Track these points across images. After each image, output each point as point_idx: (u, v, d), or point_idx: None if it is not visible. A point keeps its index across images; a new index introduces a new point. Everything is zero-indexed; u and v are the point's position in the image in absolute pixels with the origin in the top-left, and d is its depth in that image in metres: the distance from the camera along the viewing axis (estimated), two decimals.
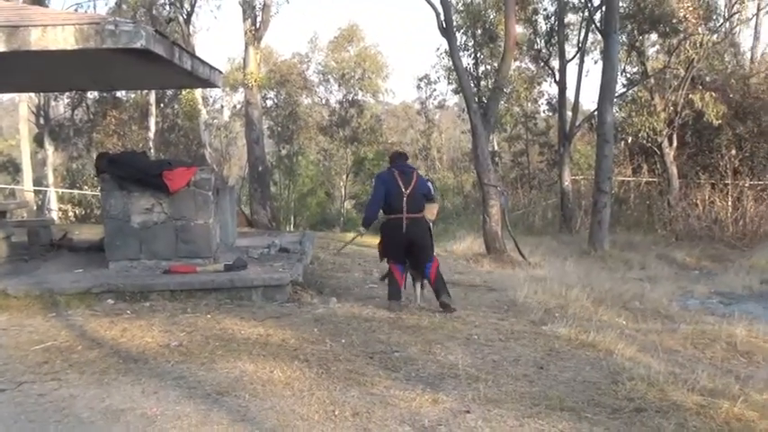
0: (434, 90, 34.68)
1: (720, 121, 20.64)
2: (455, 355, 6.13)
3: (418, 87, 34.73)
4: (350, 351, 6.26)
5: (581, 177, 25.62)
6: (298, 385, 5.26)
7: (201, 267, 9.02)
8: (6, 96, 32.31)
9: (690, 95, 20.95)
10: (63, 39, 7.85)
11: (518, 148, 31.82)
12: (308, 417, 4.65)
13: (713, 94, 20.65)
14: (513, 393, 5.18)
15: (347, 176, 34.25)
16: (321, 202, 34.59)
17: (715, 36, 21.92)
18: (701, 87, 21.46)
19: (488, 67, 26.99)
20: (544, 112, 30.43)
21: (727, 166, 20.62)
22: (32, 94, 27.86)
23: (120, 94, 29.23)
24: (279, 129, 33.36)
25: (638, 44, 22.03)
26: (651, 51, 23.99)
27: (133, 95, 29.82)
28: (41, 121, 29.28)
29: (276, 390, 5.16)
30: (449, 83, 29.74)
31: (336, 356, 6.05)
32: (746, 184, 20.48)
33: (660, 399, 5.02)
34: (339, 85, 34.31)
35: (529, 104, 29.03)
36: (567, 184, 22.34)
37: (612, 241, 15.56)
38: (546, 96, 28.94)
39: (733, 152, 21.46)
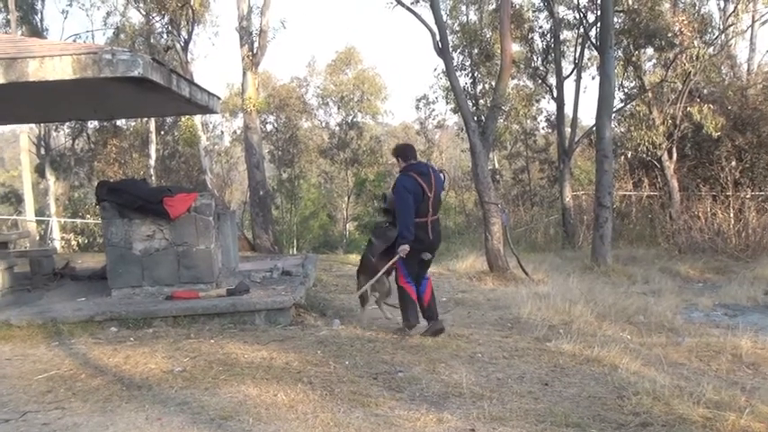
0: (433, 110, 34.83)
1: (719, 133, 20.61)
2: (459, 374, 6.12)
3: (417, 108, 34.76)
4: (354, 372, 6.24)
5: (582, 193, 25.59)
6: (302, 408, 5.24)
7: (204, 293, 9.01)
8: (7, 128, 32.45)
9: (688, 108, 20.94)
10: (61, 69, 7.90)
11: (518, 166, 31.88)
12: None
13: (711, 106, 20.64)
14: (518, 411, 5.16)
15: (349, 198, 34.30)
16: (323, 225, 34.62)
17: (711, 49, 21.94)
18: (698, 100, 21.45)
19: (486, 85, 27.10)
20: (543, 128, 30.48)
21: (728, 177, 20.57)
22: (33, 125, 27.95)
23: (121, 122, 29.36)
24: (279, 153, 33.48)
25: (634, 59, 22.04)
26: (648, 66, 24.00)
27: (133, 124, 29.95)
28: (42, 151, 29.36)
29: (280, 413, 5.14)
30: (447, 102, 29.87)
31: (340, 378, 6.04)
32: (748, 196, 20.42)
33: (666, 412, 5.00)
34: (338, 108, 34.50)
35: (528, 122, 29.08)
36: (568, 199, 22.33)
37: (615, 256, 15.49)
38: (545, 113, 29.00)
39: (733, 164, 21.42)
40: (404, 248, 7.49)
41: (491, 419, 4.95)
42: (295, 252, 27.64)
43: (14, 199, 32.56)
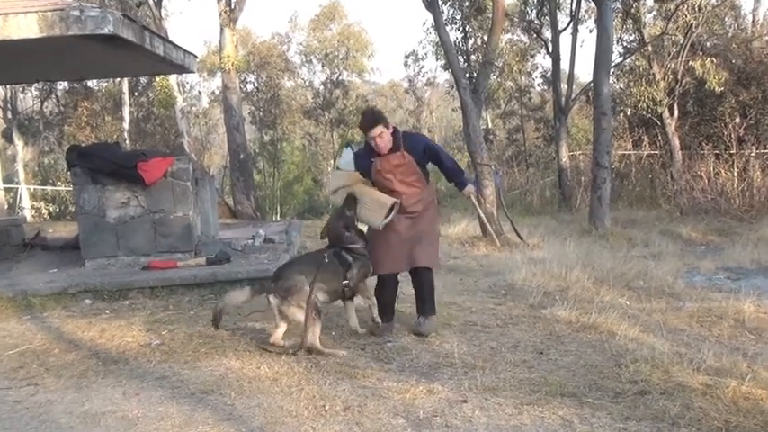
0: (423, 67, 34.97)
1: (723, 89, 20.65)
2: (450, 344, 6.16)
3: (405, 65, 34.75)
4: (340, 343, 6.28)
5: (579, 153, 25.65)
6: (286, 381, 5.27)
7: (182, 262, 9.03)
8: None
9: (690, 62, 20.96)
10: (26, 27, 7.84)
11: (513, 125, 31.89)
12: (298, 413, 4.67)
13: (714, 60, 20.66)
14: (512, 380, 5.20)
15: (335, 161, 34.20)
16: (308, 190, 34.60)
17: None
18: (701, 54, 21.46)
19: (478, 40, 27.01)
20: (539, 85, 30.52)
21: (732, 135, 20.64)
22: None
23: (92, 83, 29.17)
24: (260, 114, 33.37)
25: (633, 10, 21.99)
26: (648, 18, 23.94)
27: (105, 85, 29.76)
28: (9, 115, 29.17)
29: (263, 386, 5.17)
30: (437, 59, 29.87)
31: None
32: (752, 154, 20.51)
33: (665, 380, 5.04)
34: (322, 66, 34.35)
35: (522, 78, 29.06)
36: (564, 160, 22.37)
37: (614, 218, 15.55)
38: (540, 69, 29.09)
39: (737, 120, 21.46)
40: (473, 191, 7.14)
41: (483, 390, 4.99)
42: (278, 219, 27.63)
43: None
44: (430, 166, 6.64)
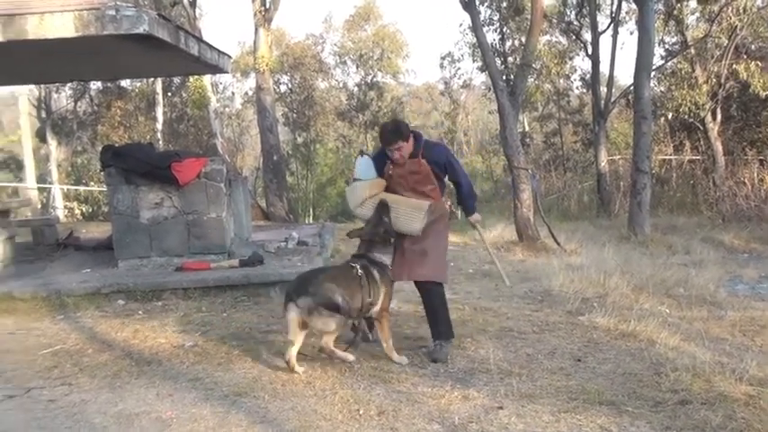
0: (459, 69, 34.63)
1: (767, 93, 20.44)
2: (486, 349, 6.16)
3: (441, 66, 34.47)
4: (374, 347, 6.29)
5: (619, 157, 25.46)
6: (320, 384, 5.31)
7: (215, 263, 9.10)
8: (6, 89, 32.54)
9: (734, 65, 20.75)
10: (62, 26, 7.93)
11: (550, 128, 31.72)
12: (331, 417, 4.69)
13: (759, 63, 20.44)
14: (549, 388, 5.20)
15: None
16: (341, 192, 34.51)
17: (759, 1, 21.65)
18: (745, 56, 21.24)
19: (515, 42, 26.96)
20: (577, 88, 30.30)
21: None
22: (33, 87, 28.08)
23: (125, 83, 29.45)
24: (294, 115, 33.45)
25: (675, 12, 21.83)
26: (690, 19, 23.76)
27: (139, 84, 30.01)
28: (43, 114, 29.54)
29: (297, 389, 5.21)
30: (473, 60, 29.69)
31: (360, 353, 6.08)
32: None
33: (706, 390, 5.01)
34: (357, 67, 34.34)
35: (561, 81, 28.89)
36: (603, 164, 22.24)
37: (654, 225, 15.44)
38: (579, 71, 28.85)
39: None
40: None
41: (520, 397, 4.99)
42: (311, 221, 27.71)
43: (14, 165, 32.80)
44: None
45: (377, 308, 5.86)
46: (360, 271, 5.77)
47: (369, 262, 5.92)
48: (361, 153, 6.46)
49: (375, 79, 33.94)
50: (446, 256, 6.44)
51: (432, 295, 6.17)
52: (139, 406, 4.95)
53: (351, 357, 5.73)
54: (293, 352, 5.54)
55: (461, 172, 6.48)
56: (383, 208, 6.01)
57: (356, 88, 34.15)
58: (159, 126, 28.61)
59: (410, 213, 6.02)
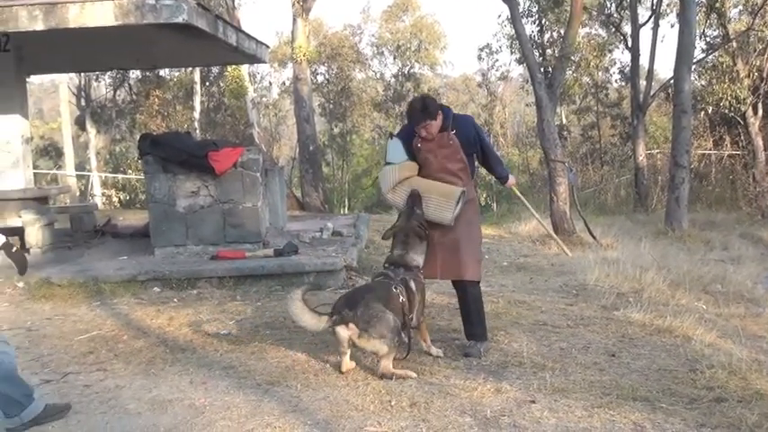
0: (496, 60, 34.41)
1: None
2: (519, 343, 6.13)
3: (479, 58, 34.36)
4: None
5: (657, 151, 25.26)
6: (352, 375, 5.32)
7: (250, 252, 9.15)
8: (47, 78, 33.01)
9: None
10: (102, 14, 8.03)
11: (588, 121, 31.46)
12: (363, 407, 4.70)
13: None
14: (582, 382, 5.16)
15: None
16: (377, 183, 34.63)
17: None
18: None
19: (554, 34, 26.77)
20: (616, 81, 30.06)
21: None
22: (73, 75, 28.40)
23: (164, 72, 29.70)
24: (331, 106, 33.52)
25: (718, 5, 21.56)
26: (733, 12, 23.47)
27: (177, 74, 30.25)
28: (83, 102, 29.86)
29: (329, 380, 5.23)
30: (512, 52, 29.53)
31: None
32: None
33: (742, 388, 4.95)
34: (394, 58, 34.32)
35: (599, 74, 28.64)
36: (641, 158, 22.04)
37: (692, 220, 15.29)
38: (618, 64, 28.62)
39: None
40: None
41: (553, 391, 4.96)
42: (346, 212, 27.79)
43: (54, 152, 33.21)
44: None
45: (414, 318, 5.69)
46: (398, 288, 5.54)
47: (405, 270, 5.70)
48: (391, 135, 6.20)
49: (412, 70, 33.90)
50: (480, 247, 6.29)
51: (467, 295, 6.00)
52: (173, 393, 5.00)
53: (412, 374, 5.35)
54: (347, 360, 5.41)
55: (487, 140, 6.35)
56: (415, 198, 5.85)
57: (393, 79, 34.15)
58: (197, 115, 28.81)
59: (442, 202, 5.82)
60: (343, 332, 5.23)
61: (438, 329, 6.60)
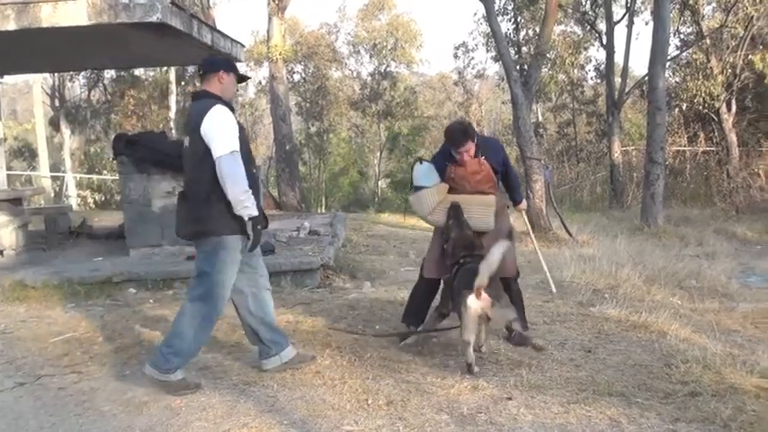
0: (472, 58, 34.59)
1: None
2: (496, 340, 6.15)
3: (455, 56, 34.41)
4: (384, 337, 6.31)
5: (632, 148, 25.38)
6: (329, 374, 5.32)
7: None
8: (20, 78, 32.71)
9: (749, 56, 20.64)
10: (75, 14, 7.99)
11: (564, 119, 31.59)
12: (340, 406, 4.70)
13: None
14: (559, 379, 5.19)
15: (381, 154, 34.20)
16: (354, 182, 34.57)
17: None
18: (761, 47, 21.12)
19: (530, 31, 26.84)
20: (592, 78, 30.19)
21: None
22: (47, 75, 28.19)
23: (139, 72, 29.47)
24: (307, 105, 33.41)
25: (691, 2, 21.70)
26: (706, 9, 23.60)
27: (152, 73, 30.04)
28: (56, 103, 29.63)
29: (306, 379, 5.22)
30: (488, 50, 29.62)
31: (370, 343, 6.10)
32: None
33: (717, 382, 4.99)
34: (370, 57, 34.24)
35: (575, 71, 28.75)
36: (616, 155, 22.17)
37: (667, 216, 15.39)
38: (593, 62, 28.73)
39: None
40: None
41: (529, 388, 4.98)
42: (323, 211, 27.72)
43: (28, 153, 32.93)
44: None
45: None
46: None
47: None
48: (420, 160, 6.34)
49: (388, 69, 33.84)
50: (514, 248, 6.45)
51: (512, 291, 6.16)
52: (148, 394, 4.96)
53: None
54: (472, 353, 5.36)
55: (510, 164, 6.56)
56: (456, 210, 5.98)
57: (369, 78, 34.08)
58: (172, 115, 28.63)
59: (482, 210, 6.06)
60: (476, 306, 5.25)
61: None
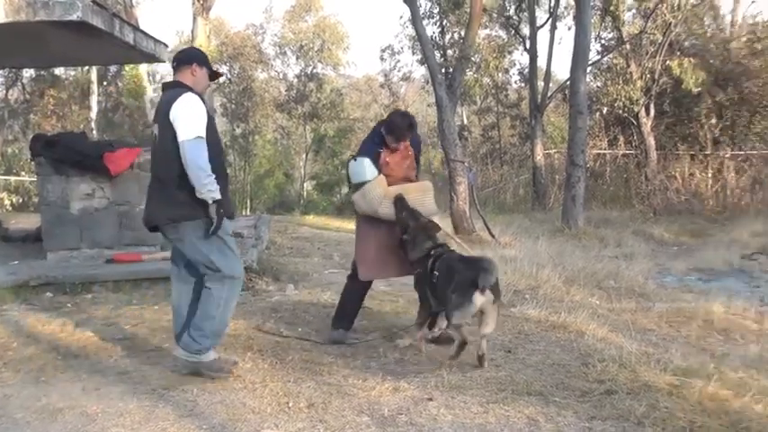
0: (398, 61, 34.58)
1: (700, 89, 20.80)
2: (418, 341, 6.17)
3: (381, 59, 34.45)
4: (306, 340, 6.30)
5: (554, 151, 25.74)
6: (250, 377, 5.29)
7: (148, 255, 9.00)
8: None
9: (667, 62, 21.10)
10: None
11: (488, 122, 31.86)
12: (260, 410, 4.68)
13: (692, 60, 20.80)
14: (479, 379, 5.24)
15: (307, 156, 34.10)
16: (279, 184, 34.39)
17: None
18: (679, 53, 21.62)
19: (455, 35, 27.03)
20: (516, 82, 30.49)
21: (707, 136, 20.87)
22: None
23: (59, 71, 28.90)
24: (232, 106, 33.13)
25: (612, 8, 22.09)
26: (627, 16, 24.05)
27: (73, 73, 29.48)
28: None
29: (227, 383, 5.18)
30: (413, 53, 29.74)
31: (292, 346, 6.09)
32: (727, 155, 20.77)
33: (631, 380, 5.09)
34: (297, 58, 34.10)
35: (499, 75, 29.01)
36: (539, 158, 22.46)
37: (587, 218, 15.64)
38: (517, 66, 29.05)
39: (713, 121, 21.70)
40: None
41: (450, 388, 5.02)
42: (248, 213, 27.51)
43: None
44: None
45: None
46: None
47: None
48: (353, 157, 6.27)
49: (315, 71, 33.75)
50: None
51: None
52: (64, 401, 4.87)
53: None
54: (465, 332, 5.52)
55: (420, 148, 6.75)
56: (401, 201, 6.01)
57: (296, 79, 33.94)
58: (93, 115, 28.12)
59: (422, 197, 6.17)
60: (479, 301, 5.30)
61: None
